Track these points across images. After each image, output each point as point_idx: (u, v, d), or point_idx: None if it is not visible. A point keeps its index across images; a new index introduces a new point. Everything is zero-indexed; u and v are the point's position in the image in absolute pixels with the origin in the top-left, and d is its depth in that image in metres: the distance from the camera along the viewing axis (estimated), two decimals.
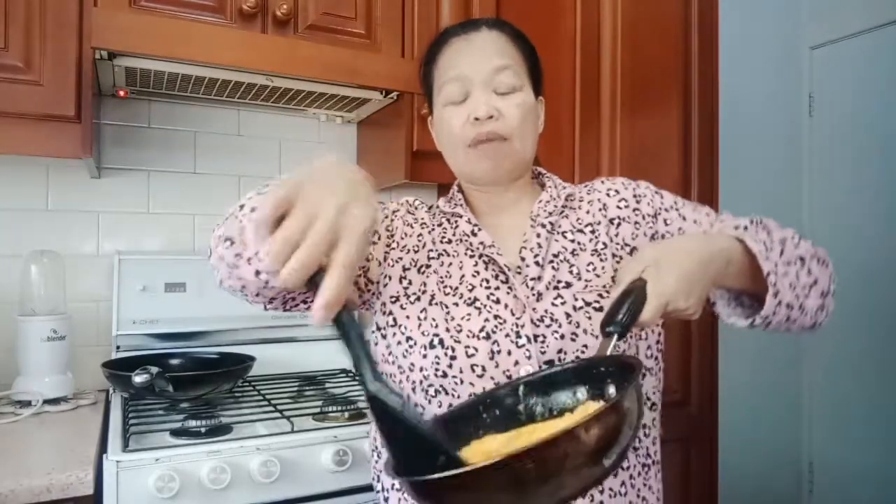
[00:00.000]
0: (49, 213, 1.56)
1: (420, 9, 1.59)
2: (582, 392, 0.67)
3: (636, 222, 0.89)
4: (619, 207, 0.91)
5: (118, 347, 1.51)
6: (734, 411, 2.28)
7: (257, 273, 0.65)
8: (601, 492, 0.79)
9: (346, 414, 1.25)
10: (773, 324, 0.78)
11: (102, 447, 1.10)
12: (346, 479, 1.16)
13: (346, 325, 0.53)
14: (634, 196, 0.92)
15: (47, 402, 1.33)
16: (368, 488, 1.16)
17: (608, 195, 0.92)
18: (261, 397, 1.40)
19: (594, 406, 0.64)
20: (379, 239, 0.90)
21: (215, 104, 1.70)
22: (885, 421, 2.51)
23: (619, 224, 0.89)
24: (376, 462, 0.91)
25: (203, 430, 1.14)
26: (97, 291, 1.58)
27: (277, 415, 1.24)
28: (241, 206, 0.67)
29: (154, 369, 1.25)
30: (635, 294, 0.67)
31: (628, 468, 0.82)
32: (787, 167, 2.83)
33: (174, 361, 1.49)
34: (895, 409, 2.49)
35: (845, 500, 2.63)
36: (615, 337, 0.65)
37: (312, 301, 0.75)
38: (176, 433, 1.13)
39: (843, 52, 2.70)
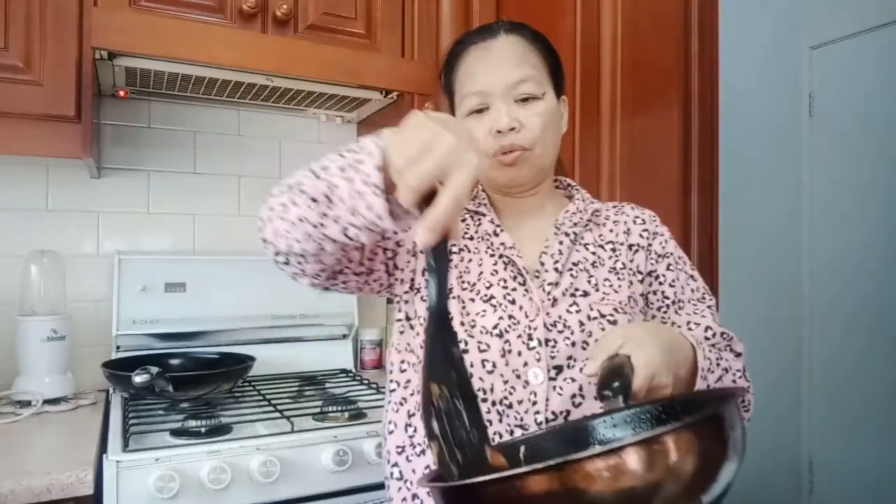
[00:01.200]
0: (49, 213, 1.56)
1: (420, 9, 1.59)
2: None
3: (647, 255, 0.92)
4: (640, 236, 0.93)
5: (118, 347, 1.51)
6: None
7: (345, 230, 0.65)
8: None
9: (346, 414, 1.25)
10: None
11: (102, 447, 1.10)
12: (346, 479, 1.16)
13: (437, 263, 0.57)
14: (654, 233, 0.94)
15: (47, 402, 1.33)
16: (368, 488, 1.17)
17: (634, 222, 0.94)
18: (261, 397, 1.40)
19: None
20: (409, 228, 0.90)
21: (215, 104, 1.70)
22: (885, 421, 2.51)
23: (636, 251, 0.91)
24: (388, 455, 0.90)
25: (203, 430, 1.14)
26: (97, 291, 1.58)
27: (277, 415, 1.24)
28: (324, 168, 0.66)
29: (154, 369, 1.25)
30: (622, 365, 0.65)
31: None
32: (787, 167, 2.83)
33: (174, 361, 1.49)
34: (895, 409, 2.49)
35: (845, 500, 2.63)
36: (621, 399, 0.62)
37: (350, 271, 0.81)
38: (176, 433, 1.13)
39: (843, 52, 2.70)
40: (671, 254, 0.93)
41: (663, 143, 1.86)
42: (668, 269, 0.91)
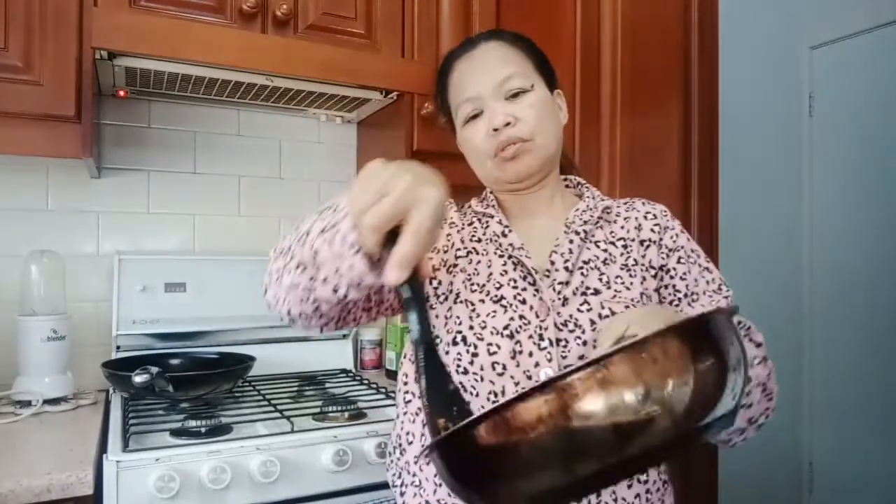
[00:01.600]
0: (49, 213, 1.56)
1: (420, 9, 1.58)
2: None
3: (658, 249, 0.91)
4: (651, 230, 0.92)
5: (118, 347, 1.51)
6: None
7: (335, 289, 0.67)
8: (615, 501, 0.79)
9: (346, 414, 1.25)
10: None
11: (102, 447, 1.10)
12: (346, 479, 1.16)
13: (412, 296, 0.59)
14: (665, 227, 0.93)
15: (47, 402, 1.33)
16: (368, 488, 1.17)
17: (645, 217, 0.94)
18: (261, 397, 1.40)
19: None
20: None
21: (215, 104, 1.70)
22: (885, 421, 2.51)
23: (648, 246, 0.91)
24: (399, 457, 0.91)
25: (203, 430, 1.14)
26: (97, 291, 1.58)
27: (277, 415, 1.24)
28: (307, 233, 0.69)
29: (154, 369, 1.25)
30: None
31: (646, 482, 0.82)
32: (787, 167, 2.83)
33: (174, 361, 1.49)
34: (894, 410, 2.49)
35: (845, 500, 2.63)
36: None
37: (358, 308, 0.84)
38: (176, 433, 1.13)
39: (843, 52, 2.70)
40: (682, 247, 0.92)
41: (663, 143, 1.86)
42: (678, 262, 0.90)
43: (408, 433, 0.89)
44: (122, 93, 1.55)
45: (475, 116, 0.89)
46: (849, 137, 2.68)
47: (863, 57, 2.62)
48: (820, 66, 2.78)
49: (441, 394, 0.59)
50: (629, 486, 0.80)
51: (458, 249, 0.92)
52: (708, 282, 0.90)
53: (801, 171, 2.84)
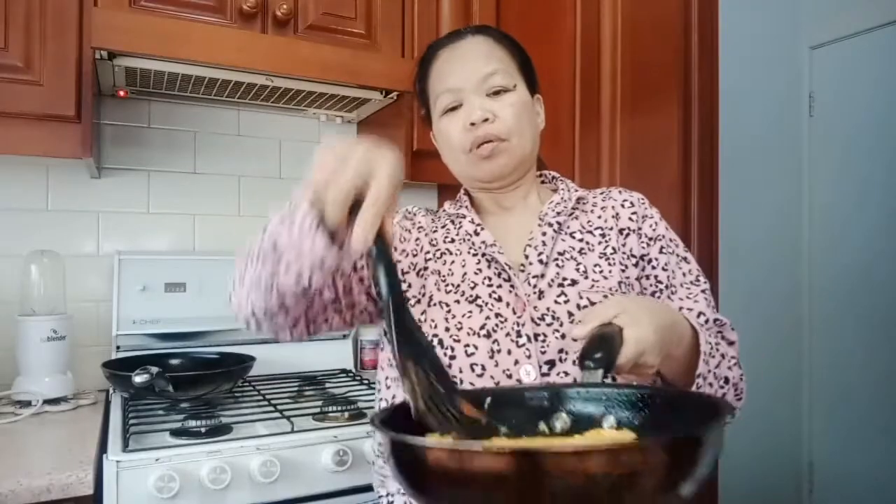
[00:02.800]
0: (49, 213, 1.56)
1: (420, 9, 1.59)
2: (621, 416, 0.58)
3: (638, 237, 0.90)
4: (630, 219, 0.91)
5: (118, 347, 1.51)
6: None
7: (298, 276, 0.66)
8: None
9: (346, 414, 1.25)
10: None
11: (102, 447, 1.10)
12: (346, 479, 1.16)
13: (379, 254, 0.59)
14: (643, 216, 0.92)
15: (47, 402, 1.33)
16: (368, 488, 1.16)
17: (623, 206, 0.93)
18: (261, 397, 1.40)
19: (629, 436, 0.54)
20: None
21: (215, 104, 1.70)
22: (885, 421, 2.51)
23: (627, 235, 0.90)
24: (382, 466, 0.91)
25: (203, 430, 1.14)
26: (97, 291, 1.58)
27: (277, 415, 1.24)
28: (264, 229, 0.69)
29: (154, 369, 1.25)
30: (612, 336, 0.63)
31: None
32: (787, 167, 2.83)
33: (174, 361, 1.49)
34: (895, 409, 2.49)
35: (845, 500, 2.63)
36: (600, 372, 0.61)
37: (329, 310, 0.82)
38: (176, 433, 1.13)
39: (843, 52, 2.70)
40: (662, 236, 0.91)
41: (663, 143, 1.86)
42: (660, 252, 0.89)
43: (381, 444, 0.88)
44: (122, 93, 1.55)
45: (453, 108, 0.88)
46: (849, 137, 2.68)
47: (863, 57, 2.62)
48: (820, 66, 2.78)
49: (413, 345, 0.58)
50: None
51: (427, 252, 0.91)
52: (685, 273, 0.89)
53: (801, 171, 2.84)
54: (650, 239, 0.90)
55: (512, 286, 0.84)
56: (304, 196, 0.62)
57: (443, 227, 0.94)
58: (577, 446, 0.42)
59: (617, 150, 1.78)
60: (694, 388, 0.73)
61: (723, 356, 0.80)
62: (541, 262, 0.85)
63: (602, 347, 0.63)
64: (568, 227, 0.90)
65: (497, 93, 0.87)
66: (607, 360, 0.62)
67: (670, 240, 0.92)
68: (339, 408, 1.25)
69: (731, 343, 0.86)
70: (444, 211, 0.98)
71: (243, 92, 1.54)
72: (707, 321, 0.85)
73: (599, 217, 0.92)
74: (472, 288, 0.85)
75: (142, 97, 1.63)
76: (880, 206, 2.56)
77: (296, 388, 1.49)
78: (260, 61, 1.33)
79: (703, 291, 0.89)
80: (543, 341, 0.80)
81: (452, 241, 0.91)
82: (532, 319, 0.81)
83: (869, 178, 2.60)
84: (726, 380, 0.80)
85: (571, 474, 0.39)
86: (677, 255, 0.91)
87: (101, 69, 1.35)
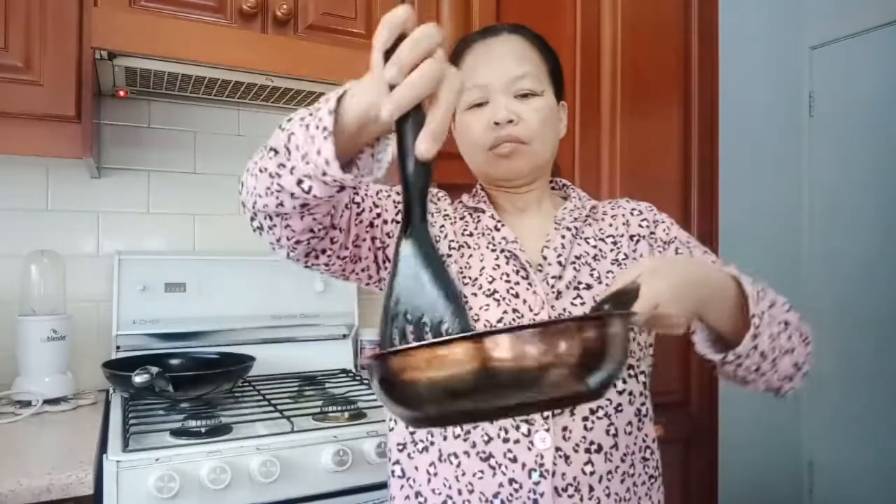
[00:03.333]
0: (49, 213, 1.56)
1: (420, 9, 1.59)
2: None
3: (650, 244, 0.92)
4: (640, 226, 0.93)
5: (118, 347, 1.51)
6: (734, 411, 2.28)
7: (299, 182, 0.63)
8: (608, 496, 0.79)
9: (346, 414, 1.25)
10: (743, 367, 0.77)
11: (102, 447, 1.10)
12: (346, 479, 1.16)
13: (416, 163, 0.54)
14: (654, 221, 0.94)
15: (47, 402, 1.33)
16: (368, 488, 1.17)
17: (632, 213, 0.95)
18: (261, 397, 1.40)
19: None
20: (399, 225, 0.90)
21: (215, 104, 1.70)
22: (885, 421, 2.51)
23: (638, 241, 0.92)
24: (397, 462, 0.90)
25: (203, 430, 1.14)
26: (97, 291, 1.58)
27: (277, 415, 1.24)
28: (289, 119, 0.66)
29: (154, 369, 1.25)
30: (629, 291, 0.66)
31: (633, 475, 0.83)
32: (787, 167, 2.84)
33: (174, 361, 1.49)
34: (895, 409, 2.49)
35: (845, 500, 2.63)
36: None
37: (333, 253, 0.80)
38: (176, 433, 1.13)
39: (843, 52, 2.70)
40: (676, 237, 0.92)
41: (663, 143, 1.86)
42: (677, 253, 0.91)
43: (391, 418, 0.89)
44: (122, 93, 1.55)
45: (479, 105, 0.88)
46: (849, 137, 2.68)
47: (863, 57, 2.62)
48: (820, 66, 2.78)
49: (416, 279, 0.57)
50: (621, 481, 0.81)
51: (452, 241, 0.91)
52: (713, 262, 0.90)
53: (801, 171, 2.84)
54: (665, 243, 0.92)
55: (530, 284, 0.85)
56: (331, 98, 0.60)
57: (461, 218, 0.95)
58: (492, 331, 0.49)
59: (617, 151, 1.79)
60: (752, 331, 0.73)
61: (774, 302, 0.80)
62: (559, 263, 0.86)
63: (611, 301, 0.65)
64: (583, 233, 0.91)
65: (525, 96, 0.87)
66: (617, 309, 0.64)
67: (686, 240, 0.93)
68: (339, 408, 1.25)
69: (778, 295, 0.85)
70: (461, 202, 0.98)
71: (243, 92, 1.54)
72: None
73: (610, 225, 0.94)
74: (490, 282, 0.85)
75: (142, 97, 1.63)
76: (880, 206, 2.56)
77: (296, 388, 1.49)
78: (260, 61, 1.33)
79: (728, 265, 0.88)
80: None
81: (471, 234, 0.92)
82: (549, 318, 0.82)
83: (869, 178, 2.60)
84: (786, 322, 0.79)
85: (493, 359, 0.47)
86: (700, 249, 0.92)
87: (101, 69, 1.35)
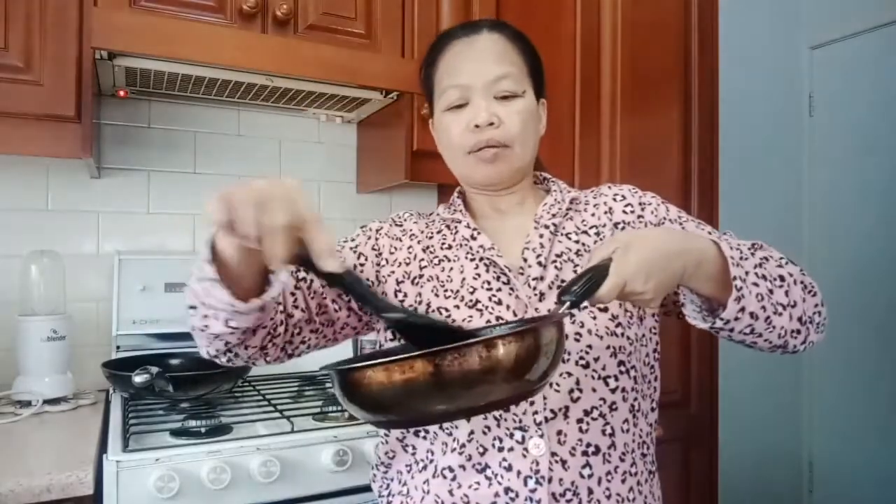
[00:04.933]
0: (49, 213, 1.56)
1: (420, 9, 1.59)
2: None
3: (639, 228, 0.89)
4: (624, 212, 0.90)
5: (118, 347, 1.51)
6: (734, 411, 2.29)
7: (227, 322, 0.68)
8: (608, 497, 0.78)
9: (346, 414, 1.25)
10: (737, 331, 0.74)
11: (102, 447, 1.10)
12: (346, 479, 1.16)
13: (348, 279, 0.63)
14: (640, 203, 0.91)
15: (47, 402, 1.33)
16: (368, 488, 1.16)
17: (615, 200, 0.92)
18: (261, 397, 1.40)
19: None
20: (366, 260, 0.90)
21: (215, 104, 1.70)
22: (885, 421, 2.51)
23: (623, 228, 0.89)
24: (385, 472, 0.91)
25: (203, 430, 1.14)
26: (97, 291, 1.58)
27: (277, 415, 1.24)
28: (191, 275, 0.70)
29: (154, 369, 1.25)
30: (600, 269, 0.67)
31: (636, 474, 0.82)
32: (787, 167, 2.84)
33: (174, 361, 1.49)
34: (895, 409, 2.49)
35: (845, 500, 2.63)
36: (567, 304, 0.65)
37: (302, 332, 0.85)
38: (176, 433, 1.13)
39: (843, 52, 2.70)
40: (665, 218, 0.90)
41: (663, 143, 1.86)
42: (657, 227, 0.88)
43: (387, 453, 0.89)
44: (122, 93, 1.55)
45: (459, 106, 0.87)
46: (849, 137, 2.68)
47: (863, 57, 2.62)
48: (820, 66, 2.78)
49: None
50: (623, 481, 0.80)
51: (422, 260, 0.90)
52: (709, 233, 0.87)
53: (801, 171, 2.84)
54: (655, 225, 0.89)
55: (512, 289, 0.84)
56: (203, 250, 0.65)
57: (438, 232, 0.93)
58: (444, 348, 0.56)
59: (617, 150, 1.79)
60: (735, 293, 0.71)
61: (765, 258, 0.78)
62: (539, 264, 0.85)
63: (581, 282, 0.67)
64: (563, 229, 0.89)
65: (505, 97, 0.86)
66: (581, 293, 0.66)
67: (678, 216, 0.91)
68: (339, 408, 1.26)
69: (774, 251, 0.83)
70: (437, 215, 0.97)
71: (243, 92, 1.54)
72: (740, 246, 0.82)
73: (593, 215, 0.91)
74: (472, 293, 0.84)
75: (142, 97, 1.63)
76: (880, 206, 2.56)
77: (296, 388, 1.49)
78: (260, 61, 1.33)
79: (728, 235, 0.86)
80: None
81: (449, 246, 0.90)
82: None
83: (869, 177, 2.60)
84: (781, 277, 0.77)
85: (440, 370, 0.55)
86: (692, 222, 0.90)
87: (101, 69, 1.35)
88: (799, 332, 0.78)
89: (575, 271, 0.85)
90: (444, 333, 0.66)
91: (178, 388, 1.27)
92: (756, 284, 0.73)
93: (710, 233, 0.87)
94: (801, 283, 0.79)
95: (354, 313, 0.88)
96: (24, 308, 1.39)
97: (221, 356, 0.78)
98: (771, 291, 0.74)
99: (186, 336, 1.55)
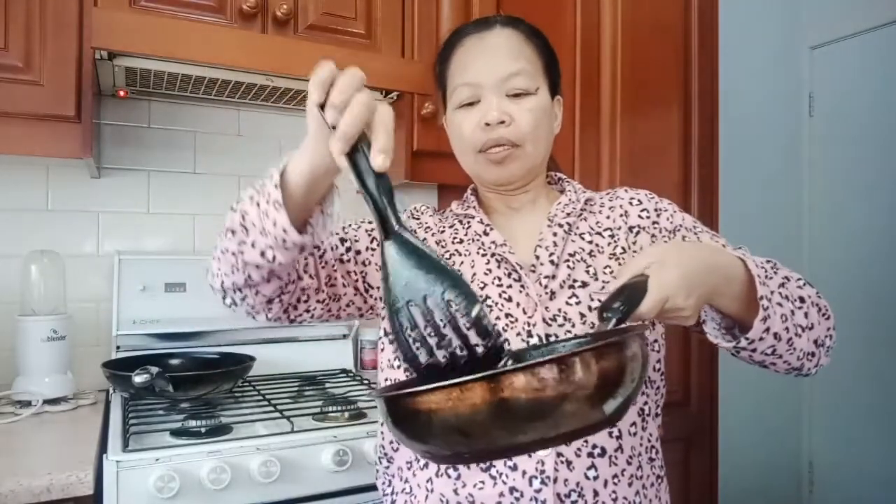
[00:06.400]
0: (49, 213, 1.56)
1: (420, 9, 1.59)
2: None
3: (653, 234, 0.88)
4: (640, 217, 0.89)
5: (118, 347, 1.51)
6: (734, 411, 2.29)
7: (262, 253, 0.69)
8: (614, 500, 0.78)
9: (346, 414, 1.25)
10: (759, 352, 0.74)
11: (102, 447, 1.10)
12: (346, 479, 1.16)
13: (375, 177, 0.58)
14: (656, 209, 0.90)
15: (47, 402, 1.33)
16: (368, 488, 1.17)
17: (631, 203, 0.91)
18: (261, 397, 1.40)
19: None
20: (379, 245, 0.90)
21: (215, 104, 1.70)
22: (885, 421, 2.51)
23: (637, 232, 0.88)
24: (387, 467, 0.90)
25: (203, 430, 1.14)
26: (97, 291, 1.58)
27: (277, 415, 1.24)
28: (239, 200, 0.72)
29: (154, 369, 1.25)
30: (637, 285, 0.64)
31: (643, 478, 0.81)
32: (787, 167, 2.84)
33: (174, 361, 1.49)
34: (895, 409, 2.49)
35: (845, 500, 2.63)
36: (613, 322, 0.62)
37: (309, 299, 0.83)
38: (176, 433, 1.13)
39: (843, 52, 2.70)
40: (681, 225, 0.88)
41: (663, 143, 1.86)
42: (684, 241, 0.87)
43: (391, 442, 0.88)
44: (122, 93, 1.55)
45: (470, 104, 0.86)
46: (849, 137, 2.68)
47: (863, 57, 2.62)
48: (820, 66, 2.78)
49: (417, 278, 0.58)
50: (629, 484, 0.79)
51: (440, 251, 0.90)
52: (723, 245, 0.86)
53: (801, 171, 2.84)
54: (670, 231, 0.88)
55: (522, 286, 0.83)
56: (273, 173, 0.67)
57: (451, 227, 0.93)
58: (506, 370, 0.49)
59: (617, 151, 1.78)
60: (762, 313, 0.70)
61: (786, 278, 0.77)
62: (552, 262, 0.84)
63: (622, 298, 0.63)
64: (577, 229, 0.89)
65: (517, 95, 0.84)
66: (625, 310, 0.62)
67: (693, 225, 0.89)
68: (339, 408, 1.25)
69: (792, 272, 0.82)
70: (450, 211, 0.97)
71: (243, 92, 1.55)
72: (758, 264, 0.81)
73: (608, 217, 0.90)
74: (482, 288, 0.84)
75: (142, 97, 1.63)
76: (880, 206, 2.56)
77: (296, 388, 1.49)
78: (260, 61, 1.33)
79: (742, 251, 0.85)
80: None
81: (461, 241, 0.90)
82: (543, 320, 0.80)
83: (869, 177, 2.60)
84: (801, 299, 0.76)
85: (506, 396, 0.47)
86: (708, 234, 0.89)
87: (101, 69, 1.35)
88: (814, 354, 0.78)
89: (587, 271, 0.84)
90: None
91: (178, 388, 1.26)
92: (780, 304, 0.73)
93: (724, 245, 0.86)
94: (817, 305, 0.78)
95: (360, 294, 0.89)
96: (24, 308, 1.39)
97: (231, 293, 0.78)
98: (793, 313, 0.74)
99: (186, 336, 1.57)
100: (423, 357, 0.56)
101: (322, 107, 0.60)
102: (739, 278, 0.72)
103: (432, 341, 0.56)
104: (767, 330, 0.71)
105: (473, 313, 0.56)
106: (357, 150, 0.58)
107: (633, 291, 0.64)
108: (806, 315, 0.76)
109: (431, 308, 0.56)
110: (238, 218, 0.71)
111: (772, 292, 0.72)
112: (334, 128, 0.58)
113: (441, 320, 0.56)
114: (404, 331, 0.57)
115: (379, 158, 0.57)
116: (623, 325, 0.62)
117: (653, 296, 0.63)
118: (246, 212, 0.69)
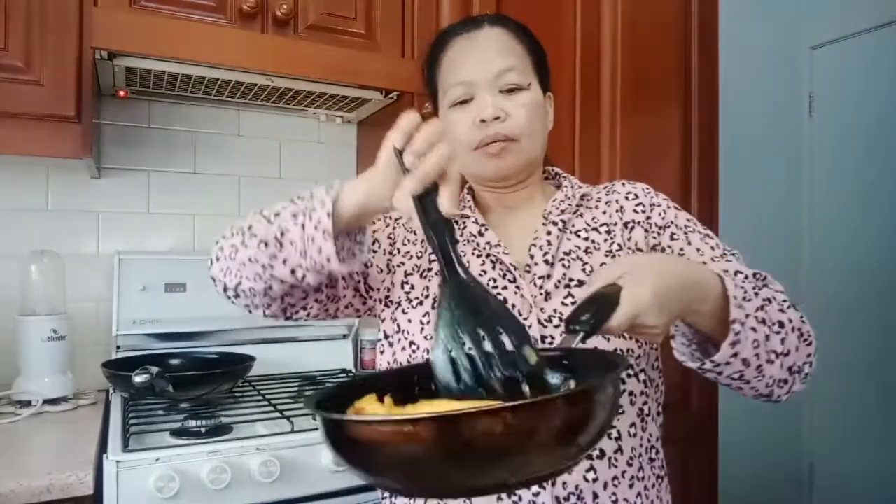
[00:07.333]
0: (49, 213, 1.56)
1: (420, 9, 1.59)
2: (556, 378, 0.61)
3: (646, 229, 0.88)
4: (635, 211, 0.89)
5: (118, 347, 1.51)
6: (734, 411, 2.28)
7: (293, 272, 0.71)
8: (615, 502, 0.77)
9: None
10: (724, 375, 0.70)
11: (102, 447, 1.10)
12: (346, 479, 1.16)
13: (442, 222, 0.63)
14: (651, 204, 0.89)
15: (47, 402, 1.33)
16: (368, 488, 1.17)
17: (627, 198, 0.90)
18: (261, 397, 1.40)
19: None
20: (380, 247, 0.90)
21: (215, 104, 1.70)
22: (885, 421, 2.51)
23: (632, 228, 0.88)
24: None
25: (203, 430, 1.14)
26: (97, 291, 1.58)
27: (277, 415, 1.24)
28: (276, 214, 0.73)
29: (154, 369, 1.25)
30: (609, 297, 0.61)
31: (643, 479, 0.81)
32: (787, 167, 2.84)
33: (174, 361, 1.49)
34: (895, 410, 2.49)
35: (845, 500, 2.63)
36: (580, 335, 0.59)
37: (308, 300, 0.83)
38: (176, 433, 1.13)
39: (843, 52, 2.70)
40: (672, 222, 0.87)
41: (663, 143, 1.86)
42: (672, 239, 0.85)
43: None
44: (122, 93, 1.55)
45: (464, 102, 0.86)
46: (849, 137, 2.68)
47: (863, 57, 2.62)
48: (820, 66, 2.78)
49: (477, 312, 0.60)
50: (630, 486, 0.79)
51: (432, 254, 0.89)
52: (713, 248, 0.84)
53: (801, 171, 2.84)
54: (660, 228, 0.87)
55: (517, 287, 0.82)
56: (326, 201, 0.67)
57: None
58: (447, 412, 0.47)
59: (617, 150, 1.79)
60: (732, 337, 0.66)
61: (768, 300, 0.72)
62: (546, 262, 0.84)
63: (591, 310, 0.60)
64: (573, 226, 0.88)
65: (511, 91, 0.84)
66: (593, 323, 0.59)
67: (686, 222, 0.88)
68: None
69: (780, 292, 0.77)
70: None
71: (243, 92, 1.55)
72: (746, 278, 0.78)
73: (604, 213, 0.90)
74: None
75: (142, 97, 1.63)
76: (880, 206, 2.56)
77: (296, 388, 1.49)
78: (260, 61, 1.33)
79: (735, 258, 0.83)
80: (550, 343, 0.79)
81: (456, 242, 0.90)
82: (539, 321, 0.80)
83: (868, 178, 2.60)
84: (780, 323, 0.71)
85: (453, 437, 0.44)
86: (698, 234, 0.86)
87: (101, 69, 1.35)
88: (786, 381, 0.74)
89: (583, 269, 0.83)
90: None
91: (178, 388, 1.27)
92: (754, 329, 0.69)
93: (714, 248, 0.84)
94: (799, 330, 0.74)
95: (360, 295, 0.89)
96: (24, 308, 1.39)
97: (242, 294, 0.79)
98: (768, 338, 0.70)
99: (186, 336, 1.57)
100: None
101: (400, 152, 0.64)
102: (715, 297, 0.68)
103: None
104: (735, 355, 0.68)
105: (532, 361, 0.58)
106: (427, 193, 0.63)
107: (603, 303, 0.61)
108: (783, 341, 0.71)
109: (487, 350, 0.58)
110: (276, 232, 0.71)
111: (747, 315, 0.68)
112: (406, 171, 0.63)
113: (493, 363, 0.57)
114: (456, 363, 0.58)
115: (447, 204, 0.61)
116: (598, 350, 0.62)
117: (623, 310, 0.60)
118: (287, 229, 0.70)
